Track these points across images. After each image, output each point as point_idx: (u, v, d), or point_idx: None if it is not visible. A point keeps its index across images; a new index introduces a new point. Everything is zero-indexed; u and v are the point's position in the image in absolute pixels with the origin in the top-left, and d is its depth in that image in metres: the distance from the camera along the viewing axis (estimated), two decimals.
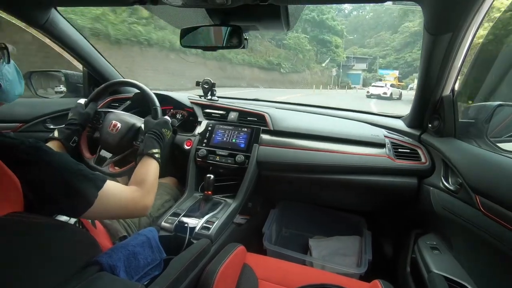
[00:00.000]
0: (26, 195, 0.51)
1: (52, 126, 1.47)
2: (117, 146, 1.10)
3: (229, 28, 1.00)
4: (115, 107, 1.43)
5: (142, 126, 1.05)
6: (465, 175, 0.86)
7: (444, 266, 0.91)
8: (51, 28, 1.24)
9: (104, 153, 1.17)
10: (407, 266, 1.08)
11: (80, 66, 1.58)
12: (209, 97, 1.54)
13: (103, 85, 1.15)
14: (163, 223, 1.00)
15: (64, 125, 1.02)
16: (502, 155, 0.80)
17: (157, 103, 1.05)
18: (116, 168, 1.09)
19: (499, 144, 0.90)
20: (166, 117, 1.03)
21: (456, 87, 1.03)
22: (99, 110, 1.21)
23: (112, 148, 1.13)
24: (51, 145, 0.95)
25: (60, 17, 1.26)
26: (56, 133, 0.97)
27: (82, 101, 1.12)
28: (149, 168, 0.82)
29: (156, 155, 0.86)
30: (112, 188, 0.65)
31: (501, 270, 0.75)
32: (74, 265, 0.58)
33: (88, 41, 1.46)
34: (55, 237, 0.56)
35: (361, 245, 1.37)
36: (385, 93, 17.29)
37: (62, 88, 1.66)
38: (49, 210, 0.58)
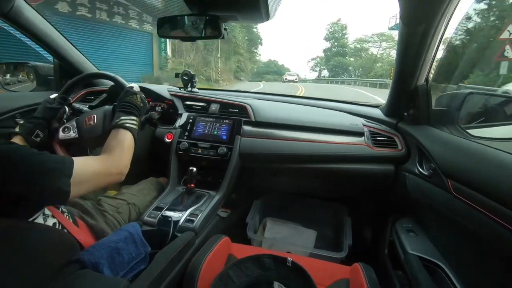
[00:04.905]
0: None
1: (22, 122, 1.39)
2: (105, 135, 1.04)
3: (207, 18, 0.97)
4: (90, 101, 1.37)
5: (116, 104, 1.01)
6: (437, 160, 0.90)
7: (419, 247, 0.96)
8: (16, 17, 1.16)
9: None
10: (385, 248, 1.14)
11: None
12: (189, 88, 1.52)
13: (74, 79, 1.08)
14: (145, 218, 0.98)
15: (26, 120, 0.97)
16: (472, 141, 0.85)
17: (127, 84, 1.01)
18: None
19: (469, 131, 0.95)
20: (130, 85, 0.99)
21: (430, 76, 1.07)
22: (73, 104, 1.15)
23: (100, 140, 1.07)
24: (15, 140, 0.89)
25: (26, 5, 1.18)
26: (17, 128, 0.92)
27: (53, 96, 1.05)
28: (117, 137, 0.82)
29: (127, 124, 0.85)
30: (82, 166, 0.64)
31: (470, 248, 0.80)
32: (51, 266, 0.56)
33: (58, 31, 1.38)
34: (24, 239, 0.54)
35: (313, 240, 1.43)
36: None
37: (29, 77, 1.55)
38: (26, 210, 0.56)
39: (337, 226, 1.48)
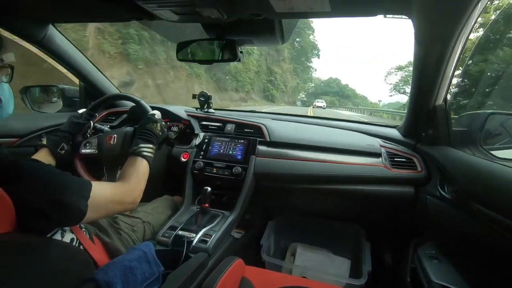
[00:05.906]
0: (18, 213, 0.52)
1: (48, 135, 1.46)
2: (122, 155, 1.07)
3: (224, 42, 1.02)
4: (112, 121, 1.43)
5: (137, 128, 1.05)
6: (462, 183, 0.86)
7: (444, 275, 0.90)
8: (48, 44, 1.26)
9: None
10: (407, 276, 1.07)
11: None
12: (206, 109, 1.55)
13: (102, 97, 1.14)
14: (159, 237, 0.98)
15: (53, 133, 1.02)
16: (497, 163, 0.81)
17: (150, 110, 1.05)
18: None
19: (493, 152, 0.91)
20: (152, 112, 1.03)
21: (448, 96, 1.05)
22: (95, 124, 1.20)
23: (117, 160, 1.11)
24: (40, 153, 0.94)
25: (57, 33, 1.28)
26: (44, 140, 0.96)
27: (81, 111, 1.11)
28: (134, 165, 0.84)
29: (144, 152, 0.87)
30: (99, 191, 0.66)
31: (500, 277, 0.75)
32: (66, 284, 0.57)
33: (85, 56, 1.47)
34: (43, 256, 0.55)
35: (348, 269, 1.37)
36: None
37: (55, 99, 1.64)
38: (43, 225, 0.58)
39: (355, 249, 1.42)
